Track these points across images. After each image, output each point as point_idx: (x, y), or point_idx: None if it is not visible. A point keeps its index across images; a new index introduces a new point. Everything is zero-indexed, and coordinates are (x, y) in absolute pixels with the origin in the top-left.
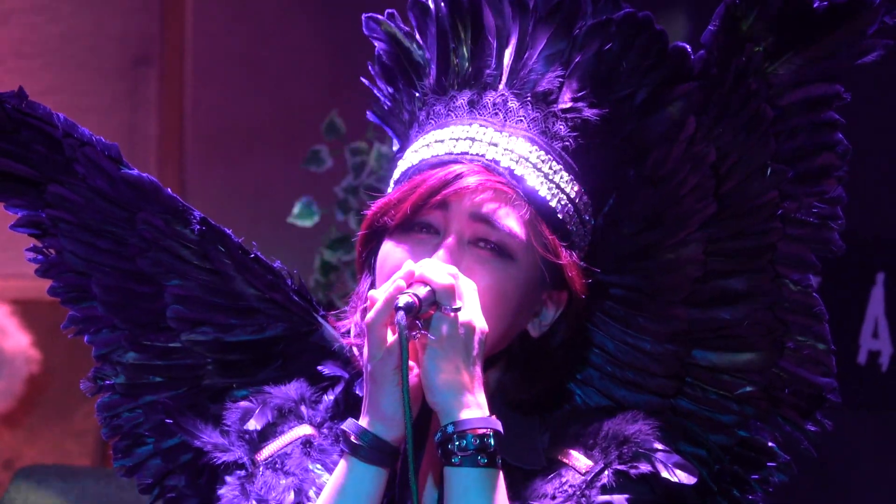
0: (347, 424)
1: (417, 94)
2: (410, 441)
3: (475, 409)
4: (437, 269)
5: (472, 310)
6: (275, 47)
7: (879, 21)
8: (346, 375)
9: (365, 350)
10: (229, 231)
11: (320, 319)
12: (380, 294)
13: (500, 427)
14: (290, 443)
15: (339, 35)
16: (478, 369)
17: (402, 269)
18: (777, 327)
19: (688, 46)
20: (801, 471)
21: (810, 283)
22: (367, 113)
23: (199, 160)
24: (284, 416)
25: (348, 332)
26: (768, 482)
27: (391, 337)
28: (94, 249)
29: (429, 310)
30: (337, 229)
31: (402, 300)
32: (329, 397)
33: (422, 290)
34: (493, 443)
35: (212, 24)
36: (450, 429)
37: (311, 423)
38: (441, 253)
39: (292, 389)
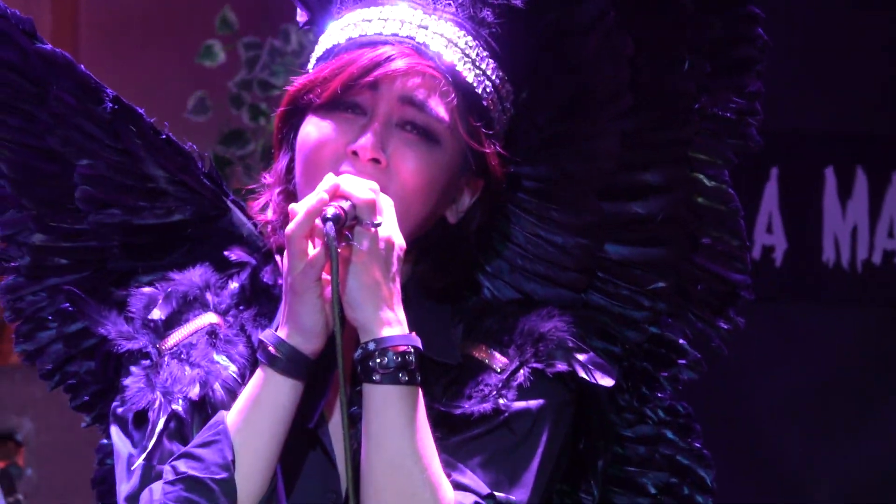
0: (265, 335)
1: None
2: (340, 351)
3: (396, 326)
4: (358, 184)
5: (391, 226)
6: None
7: None
8: (253, 261)
9: (285, 261)
10: (142, 110)
11: (230, 204)
12: (301, 206)
13: (419, 344)
14: (196, 332)
15: None
16: (397, 285)
17: (323, 182)
18: (691, 222)
19: None
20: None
21: (726, 178)
22: None
23: (92, 53)
24: (189, 304)
25: (263, 209)
26: (678, 380)
27: (311, 249)
28: (4, 126)
29: (351, 223)
30: (230, 124)
31: (330, 211)
32: (234, 284)
33: (344, 204)
34: (413, 360)
35: None
36: (371, 346)
37: (216, 311)
38: (368, 135)
39: (197, 275)
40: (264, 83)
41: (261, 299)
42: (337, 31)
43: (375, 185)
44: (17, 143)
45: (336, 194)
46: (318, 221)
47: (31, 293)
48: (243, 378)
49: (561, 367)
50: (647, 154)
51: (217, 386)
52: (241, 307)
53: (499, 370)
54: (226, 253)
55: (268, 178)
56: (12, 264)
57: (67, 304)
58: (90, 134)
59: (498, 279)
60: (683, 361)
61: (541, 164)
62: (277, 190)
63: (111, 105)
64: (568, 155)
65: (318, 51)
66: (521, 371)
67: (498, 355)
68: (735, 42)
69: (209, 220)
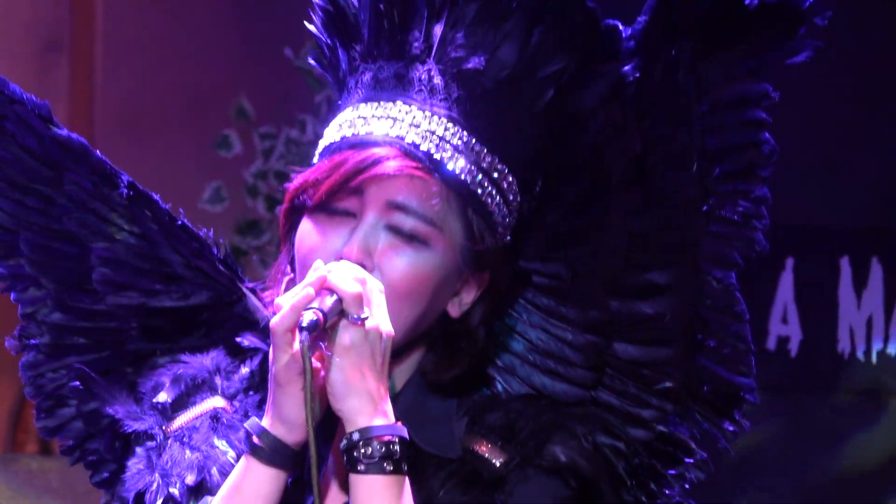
0: (250, 424)
1: (347, 57)
2: (315, 455)
3: (381, 416)
4: (345, 276)
5: (378, 316)
6: (184, 32)
7: (809, 22)
8: (265, 347)
9: (270, 353)
10: (157, 196)
11: (245, 290)
12: (286, 301)
13: (405, 434)
14: (201, 415)
15: (248, 20)
16: (384, 376)
17: (310, 275)
18: (697, 324)
19: (619, 24)
20: (709, 451)
21: (732, 281)
22: (308, 58)
23: (109, 145)
24: (198, 387)
25: (271, 301)
26: (685, 478)
27: (297, 343)
28: (23, 207)
29: (335, 318)
30: (246, 214)
31: (307, 318)
32: (245, 369)
33: (328, 301)
34: (398, 450)
35: (122, 9)
36: (355, 436)
37: (224, 395)
38: (353, 242)
39: (208, 360)
40: (280, 173)
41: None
42: (335, 128)
43: (363, 275)
44: (36, 225)
45: (323, 287)
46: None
47: (51, 370)
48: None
49: (561, 463)
50: (654, 254)
51: (214, 471)
52: (249, 392)
53: (498, 465)
54: (238, 339)
55: (276, 270)
56: (32, 341)
57: (77, 382)
58: (106, 218)
59: (508, 374)
60: (691, 460)
61: (550, 260)
62: (283, 284)
63: (126, 191)
64: (577, 253)
65: (320, 146)
66: (520, 466)
67: (499, 450)
68: (742, 147)
69: (225, 306)
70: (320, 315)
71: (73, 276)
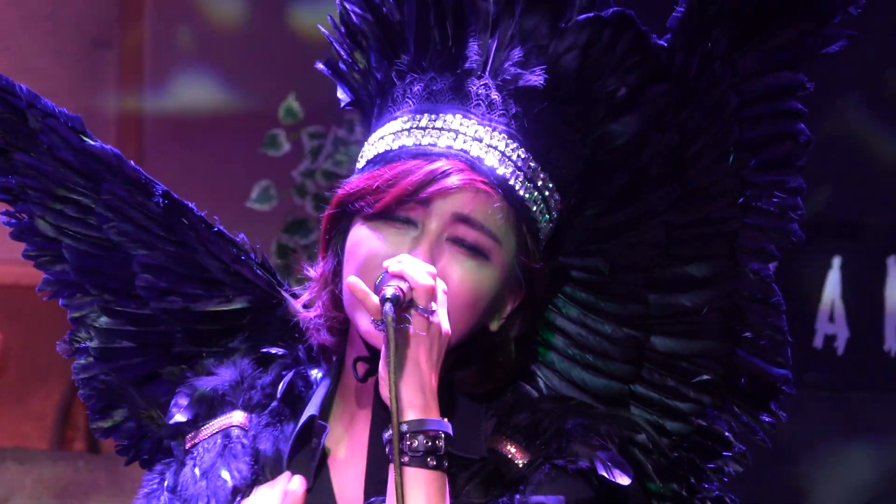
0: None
1: (387, 65)
2: (396, 434)
3: (430, 411)
4: (419, 267)
5: (442, 313)
6: (233, 31)
7: (842, 11)
8: (298, 353)
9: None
10: (192, 204)
11: (284, 294)
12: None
13: (450, 430)
14: (219, 431)
15: (297, 19)
16: (437, 372)
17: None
18: (734, 315)
19: (666, 45)
20: (758, 450)
21: (769, 272)
22: (317, 63)
23: (157, 145)
24: (220, 400)
25: (306, 306)
26: (723, 472)
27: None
28: (63, 216)
29: (405, 306)
30: (294, 213)
31: (389, 291)
32: (266, 379)
33: (402, 286)
34: (442, 445)
35: (170, 7)
36: (403, 427)
37: (245, 407)
38: (420, 249)
39: (231, 372)
40: (328, 172)
41: (293, 394)
42: (388, 136)
43: (434, 270)
44: (77, 233)
45: (393, 274)
46: (376, 300)
47: (102, 373)
48: (234, 495)
49: (583, 464)
50: (692, 247)
51: None
52: (268, 407)
53: (521, 465)
54: (264, 350)
55: (312, 274)
56: (82, 345)
57: (109, 391)
58: (144, 226)
59: (548, 368)
60: (729, 454)
61: (588, 255)
62: (324, 293)
63: (161, 200)
64: (616, 247)
65: (369, 152)
66: (543, 467)
67: (523, 450)
68: (778, 138)
69: (267, 309)
70: (400, 291)
71: (117, 282)
